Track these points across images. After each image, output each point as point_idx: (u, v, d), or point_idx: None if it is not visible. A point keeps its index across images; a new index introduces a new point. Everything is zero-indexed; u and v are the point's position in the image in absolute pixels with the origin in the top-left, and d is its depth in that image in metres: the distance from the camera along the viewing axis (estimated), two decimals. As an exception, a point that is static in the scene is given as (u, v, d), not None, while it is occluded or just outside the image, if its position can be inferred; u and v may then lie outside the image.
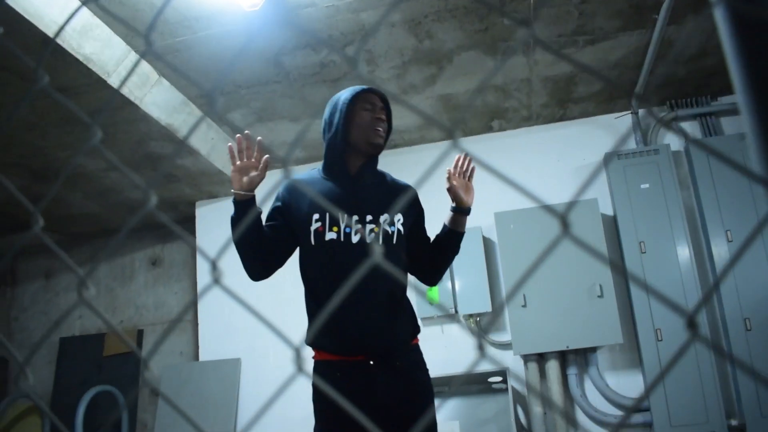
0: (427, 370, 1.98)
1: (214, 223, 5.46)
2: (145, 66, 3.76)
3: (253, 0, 3.24)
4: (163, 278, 5.96)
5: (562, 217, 0.61)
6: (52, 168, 4.63)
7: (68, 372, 5.90)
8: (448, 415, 4.44)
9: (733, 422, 4.08)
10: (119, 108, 3.85)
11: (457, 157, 2.09)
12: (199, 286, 5.43)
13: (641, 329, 4.26)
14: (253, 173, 1.89)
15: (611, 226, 4.61)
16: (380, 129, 2.01)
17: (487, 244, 4.84)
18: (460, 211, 2.07)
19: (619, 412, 4.36)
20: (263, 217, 2.01)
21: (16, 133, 4.12)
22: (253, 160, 1.91)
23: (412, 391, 1.90)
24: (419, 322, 2.08)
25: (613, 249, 4.53)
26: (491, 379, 4.48)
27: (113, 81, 3.60)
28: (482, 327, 4.78)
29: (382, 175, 2.12)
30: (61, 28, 1.11)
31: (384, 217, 1.95)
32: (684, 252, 4.33)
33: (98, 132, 1.00)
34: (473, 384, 4.55)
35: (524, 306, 4.38)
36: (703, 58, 4.25)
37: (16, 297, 6.36)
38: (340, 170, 2.01)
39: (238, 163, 1.90)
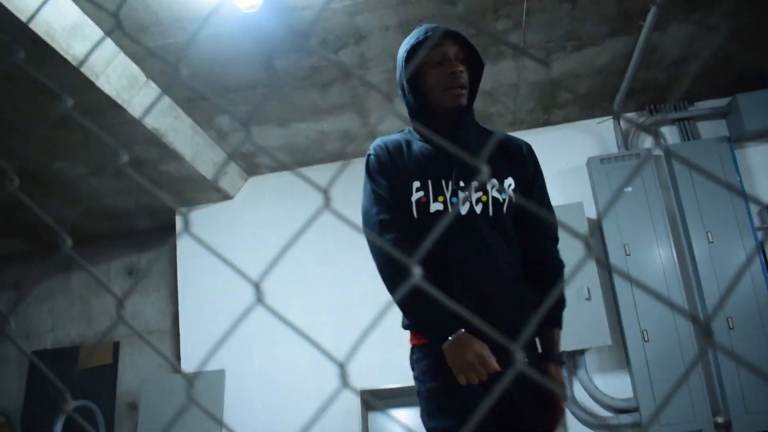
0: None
1: (194, 231, 5.33)
2: (133, 68, 3.66)
3: (251, 1, 3.20)
4: (140, 287, 5.81)
5: (587, 240, 0.62)
6: (30, 174, 4.47)
7: (41, 387, 5.68)
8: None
9: (719, 419, 4.17)
10: (106, 110, 3.75)
11: None
12: (180, 295, 5.30)
13: (628, 331, 4.33)
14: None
15: (596, 229, 4.68)
16: (456, 88, 1.68)
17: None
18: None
19: (608, 413, 4.41)
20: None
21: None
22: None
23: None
24: None
25: (599, 252, 4.60)
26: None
27: (101, 83, 3.50)
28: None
29: (488, 133, 1.80)
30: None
31: (492, 183, 1.66)
32: (667, 254, 4.42)
33: (125, 155, 0.96)
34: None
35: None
36: (684, 64, 4.37)
37: (-18, 310, 6.12)
38: (431, 132, 1.69)
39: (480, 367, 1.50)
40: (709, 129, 4.82)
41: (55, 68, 3.29)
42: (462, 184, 1.65)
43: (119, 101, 3.67)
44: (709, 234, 4.41)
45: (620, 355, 4.49)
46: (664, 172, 4.73)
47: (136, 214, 5.49)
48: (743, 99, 4.53)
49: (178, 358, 5.22)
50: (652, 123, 4.84)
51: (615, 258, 4.45)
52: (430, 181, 1.65)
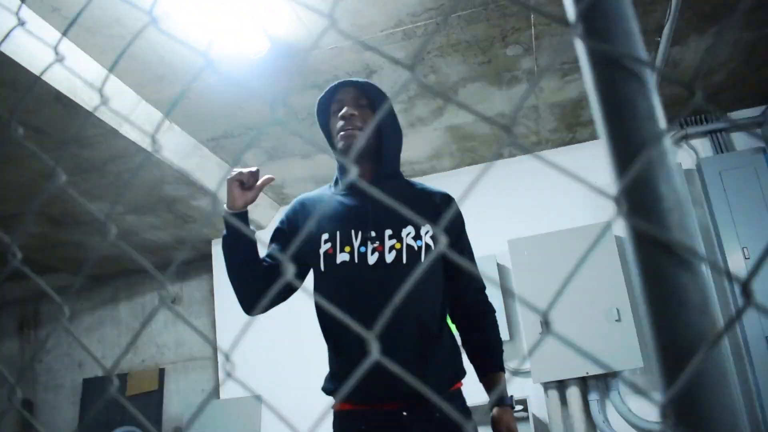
0: (473, 422, 1.54)
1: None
2: (155, 113, 3.84)
3: (258, 47, 3.31)
4: (183, 315, 6.02)
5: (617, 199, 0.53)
6: (69, 214, 4.72)
7: (94, 412, 5.95)
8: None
9: (761, 441, 4.01)
10: (133, 154, 3.94)
11: None
12: (218, 323, 5.47)
13: (662, 351, 4.21)
14: (249, 192, 1.64)
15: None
16: (343, 131, 1.67)
17: (502, 271, 4.84)
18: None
19: (644, 437, 4.30)
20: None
21: (36, 183, 4.21)
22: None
23: None
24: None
25: (629, 270, 4.49)
26: (513, 408, 4.44)
27: (125, 130, 3.69)
28: (501, 354, 4.75)
29: (408, 184, 1.82)
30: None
31: (407, 230, 1.63)
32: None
33: (62, 174, 1.03)
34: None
35: (542, 333, 4.35)
36: (710, 75, 4.25)
37: (39, 340, 6.46)
38: (349, 183, 1.71)
39: (235, 173, 1.64)
40: (744, 140, 4.66)
41: (80, 120, 3.49)
42: (373, 233, 1.63)
43: (144, 146, 3.86)
44: (745, 250, 4.26)
45: (654, 376, 4.37)
46: (697, 186, 4.60)
47: (174, 247, 5.70)
48: (777, 108, 4.36)
49: (218, 384, 5.38)
50: (683, 136, 4.71)
51: (646, 277, 4.34)
52: (338, 233, 1.66)
